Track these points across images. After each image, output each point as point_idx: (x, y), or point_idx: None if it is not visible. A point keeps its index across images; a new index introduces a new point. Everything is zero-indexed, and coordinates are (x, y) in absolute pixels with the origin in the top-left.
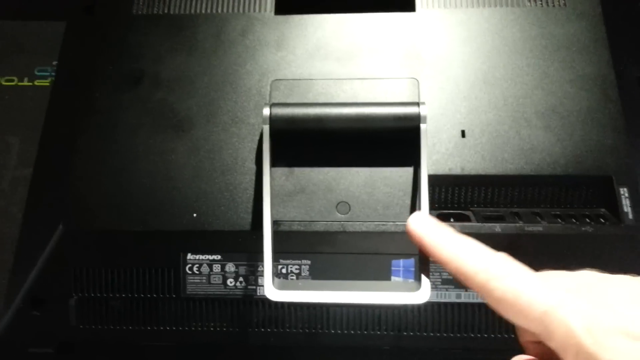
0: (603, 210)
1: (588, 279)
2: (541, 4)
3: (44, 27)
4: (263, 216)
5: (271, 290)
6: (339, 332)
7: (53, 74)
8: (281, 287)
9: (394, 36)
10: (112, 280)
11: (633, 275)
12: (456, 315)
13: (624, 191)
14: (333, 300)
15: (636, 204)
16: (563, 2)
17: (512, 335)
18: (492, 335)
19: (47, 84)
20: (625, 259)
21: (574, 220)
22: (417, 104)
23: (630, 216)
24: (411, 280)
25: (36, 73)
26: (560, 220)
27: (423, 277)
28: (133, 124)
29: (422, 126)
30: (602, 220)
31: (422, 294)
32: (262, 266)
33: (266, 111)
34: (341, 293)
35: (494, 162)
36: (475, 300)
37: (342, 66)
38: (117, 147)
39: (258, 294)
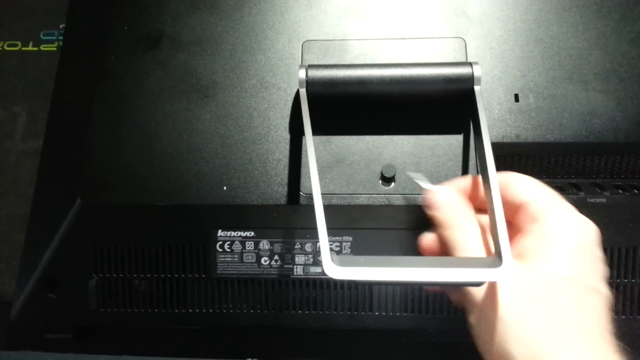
0: None
1: None
2: None
3: None
4: (312, 185)
5: (331, 267)
6: (384, 314)
7: (60, 37)
8: (341, 264)
9: None
10: (136, 259)
11: None
12: None
13: None
14: (406, 277)
15: None
16: None
17: None
18: None
19: (54, 48)
20: None
21: (637, 191)
22: (470, 64)
23: None
24: (485, 256)
25: (42, 37)
26: (622, 191)
27: (503, 248)
28: (153, 89)
29: (477, 88)
30: None
31: (505, 269)
32: (299, 244)
33: (302, 73)
34: (413, 270)
35: (551, 128)
36: None
37: (380, 25)
38: (137, 114)
39: (295, 273)
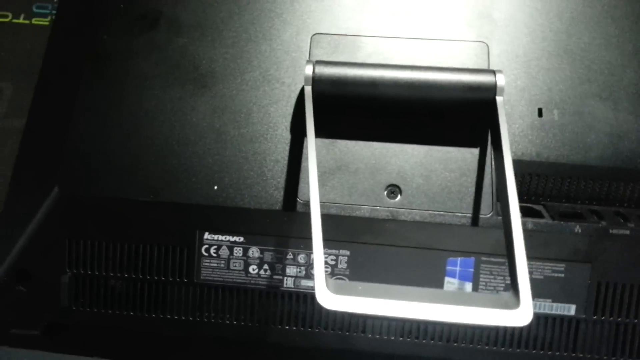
0: None
1: None
2: None
3: None
4: (310, 196)
5: (325, 295)
6: (377, 337)
7: (54, 11)
8: (337, 291)
9: None
10: (114, 257)
11: None
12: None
13: None
14: (407, 314)
15: None
16: None
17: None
18: (558, 353)
19: (47, 22)
20: None
21: None
22: (493, 72)
23: None
24: (503, 292)
25: (34, 10)
26: None
27: (522, 289)
28: (146, 74)
29: (499, 99)
30: None
31: (523, 313)
32: (292, 254)
33: (309, 69)
34: (417, 305)
35: (575, 148)
36: (540, 311)
37: (397, 22)
38: (126, 100)
39: (285, 285)
